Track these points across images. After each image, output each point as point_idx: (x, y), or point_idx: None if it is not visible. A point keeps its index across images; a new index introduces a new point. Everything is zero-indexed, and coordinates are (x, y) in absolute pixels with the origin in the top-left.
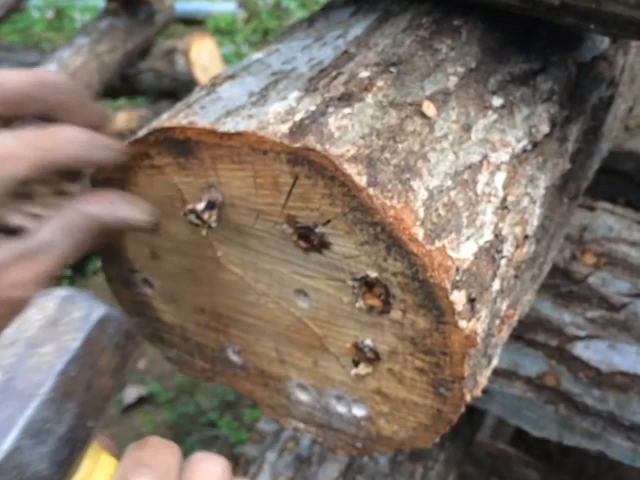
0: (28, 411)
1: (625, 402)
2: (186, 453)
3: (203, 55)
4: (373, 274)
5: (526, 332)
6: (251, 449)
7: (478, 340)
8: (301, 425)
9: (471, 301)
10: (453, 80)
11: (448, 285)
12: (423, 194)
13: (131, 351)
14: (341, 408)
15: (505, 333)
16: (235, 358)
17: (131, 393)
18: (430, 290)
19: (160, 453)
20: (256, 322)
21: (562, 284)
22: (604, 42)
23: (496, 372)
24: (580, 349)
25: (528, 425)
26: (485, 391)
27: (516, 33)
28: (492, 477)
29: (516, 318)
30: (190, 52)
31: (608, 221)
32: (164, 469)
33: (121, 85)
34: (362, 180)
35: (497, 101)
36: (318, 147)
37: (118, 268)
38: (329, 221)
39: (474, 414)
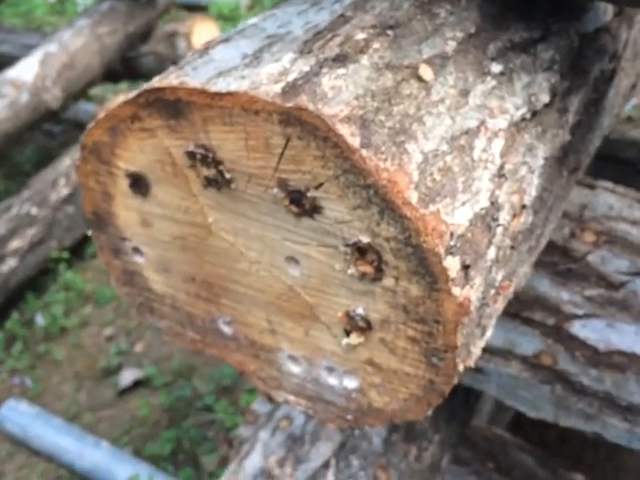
0: None
1: (622, 382)
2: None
3: (205, 39)
4: (366, 239)
5: (523, 310)
6: (245, 430)
7: (472, 308)
8: (292, 397)
9: (465, 268)
10: (451, 45)
11: (442, 250)
12: (418, 157)
13: None
14: (332, 380)
15: (500, 304)
16: (226, 329)
17: (127, 376)
18: (423, 256)
19: None
20: (247, 291)
21: (560, 262)
22: (607, 14)
23: (492, 351)
24: (578, 328)
25: (524, 406)
26: (480, 371)
27: (516, 1)
28: (488, 462)
29: (512, 290)
30: (192, 35)
31: (609, 199)
32: None
33: (122, 68)
34: (355, 141)
35: (496, 68)
36: (311, 107)
37: (108, 236)
38: (321, 184)
39: (470, 397)
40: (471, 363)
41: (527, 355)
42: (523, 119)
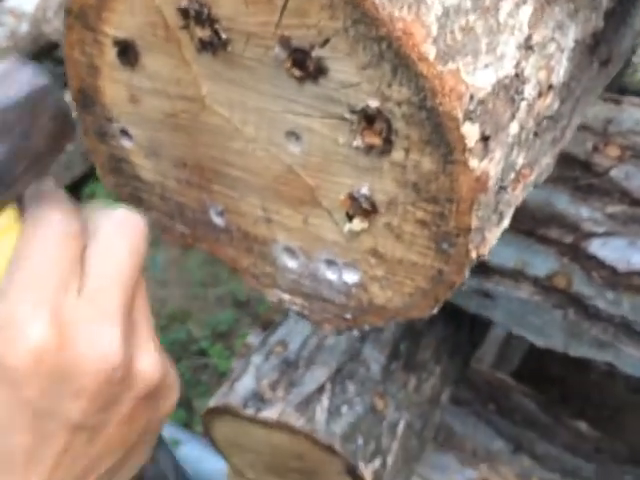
0: None
1: None
2: None
3: None
4: (375, 104)
5: (538, 227)
6: (239, 363)
7: (489, 185)
8: (286, 296)
9: (485, 139)
10: None
11: (460, 114)
12: (437, 9)
13: (67, 130)
14: (331, 274)
15: (520, 192)
16: (218, 220)
17: None
18: (439, 121)
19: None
20: (242, 175)
21: (581, 177)
22: None
23: (501, 272)
24: (596, 246)
25: (532, 334)
26: (488, 295)
27: None
28: (489, 404)
29: (532, 178)
30: None
31: (635, 114)
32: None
33: None
34: None
35: None
36: None
37: (94, 117)
38: (327, 40)
39: (474, 330)
40: (485, 251)
41: (540, 276)
42: None
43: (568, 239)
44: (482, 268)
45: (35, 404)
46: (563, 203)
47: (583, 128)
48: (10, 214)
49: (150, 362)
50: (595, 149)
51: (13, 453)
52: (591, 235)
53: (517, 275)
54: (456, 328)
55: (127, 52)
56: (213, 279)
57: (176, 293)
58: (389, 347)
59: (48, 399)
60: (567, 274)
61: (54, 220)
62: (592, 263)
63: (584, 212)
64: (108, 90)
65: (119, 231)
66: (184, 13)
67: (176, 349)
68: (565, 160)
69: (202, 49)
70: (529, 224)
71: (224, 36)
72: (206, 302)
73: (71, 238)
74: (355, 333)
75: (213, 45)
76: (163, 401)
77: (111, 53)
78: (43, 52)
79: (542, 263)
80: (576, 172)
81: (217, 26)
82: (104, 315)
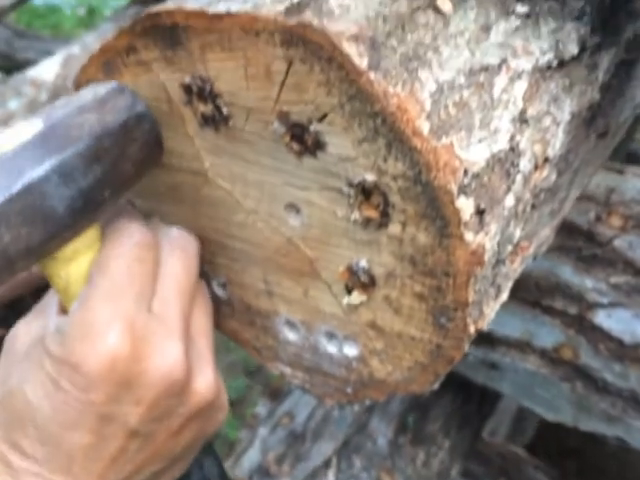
0: (63, 153)
1: None
2: None
3: None
4: (371, 178)
5: (543, 298)
6: (246, 433)
7: (485, 258)
8: (288, 369)
9: (480, 212)
10: None
11: (454, 188)
12: (431, 86)
13: (155, 156)
14: (331, 347)
15: (518, 265)
16: (220, 292)
17: None
18: (434, 195)
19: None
20: (243, 247)
21: (585, 247)
22: None
23: (508, 343)
24: (602, 318)
25: (541, 407)
26: (495, 366)
27: None
28: (500, 478)
29: (531, 251)
30: None
31: (638, 184)
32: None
33: None
34: (363, 62)
35: (521, 9)
36: (315, 22)
37: None
38: (325, 115)
39: (484, 403)
40: (484, 326)
41: (546, 348)
42: (549, 67)
43: (573, 310)
44: (488, 339)
45: (100, 407)
46: (567, 273)
47: (586, 198)
48: (93, 234)
49: (206, 382)
50: (598, 219)
51: (73, 450)
52: (596, 306)
53: (523, 346)
54: (465, 400)
55: None
56: (224, 346)
57: None
58: (396, 420)
59: (112, 404)
60: (573, 346)
61: (132, 235)
62: (598, 335)
63: (588, 282)
64: None
65: (176, 251)
66: (187, 89)
67: None
68: (568, 230)
69: (204, 124)
70: (534, 295)
71: (225, 111)
72: (217, 369)
73: (146, 252)
74: (362, 405)
75: (215, 120)
76: (211, 420)
77: None
78: None
79: (548, 334)
80: (579, 242)
81: (219, 101)
82: (171, 332)
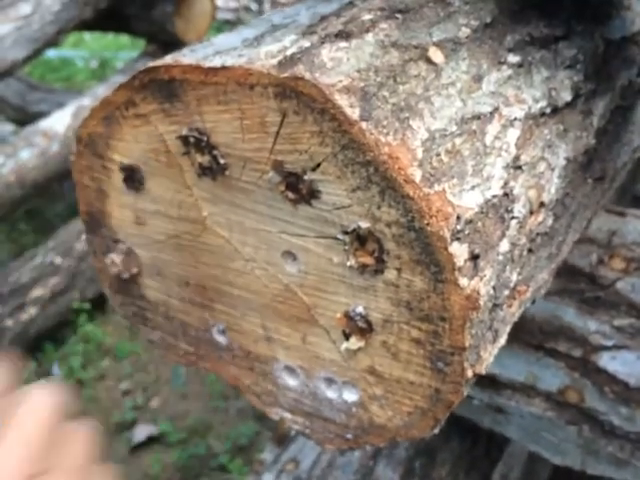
0: None
1: None
2: None
3: None
4: (365, 225)
5: (547, 341)
6: (252, 479)
7: (481, 303)
8: (288, 415)
9: (474, 258)
10: (465, 31)
11: (447, 234)
12: (423, 134)
13: None
14: (331, 393)
15: (516, 309)
16: (220, 338)
17: (141, 432)
18: (427, 241)
19: None
20: (242, 294)
21: (587, 289)
22: (634, 24)
23: (513, 387)
24: (606, 360)
25: (548, 451)
26: (502, 410)
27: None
28: None
29: (529, 295)
30: None
31: (639, 227)
32: None
33: None
34: (354, 113)
35: (513, 58)
36: (307, 76)
37: (101, 238)
38: (319, 165)
39: (492, 448)
40: (482, 370)
41: (551, 391)
42: (542, 114)
43: (577, 353)
44: (493, 383)
45: None
46: (570, 316)
47: (587, 240)
48: None
49: None
50: (600, 262)
51: None
52: (600, 349)
53: (528, 390)
54: (472, 443)
55: (133, 177)
56: (234, 392)
57: (197, 406)
58: (403, 465)
59: None
60: (579, 389)
61: None
62: (603, 378)
63: (592, 325)
64: (115, 213)
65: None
66: (185, 140)
67: (195, 464)
68: (570, 273)
69: (202, 174)
70: (537, 338)
71: (222, 161)
72: (227, 415)
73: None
74: (368, 451)
75: (212, 170)
76: None
77: (118, 178)
78: (69, 170)
79: (552, 377)
80: (582, 285)
81: (216, 152)
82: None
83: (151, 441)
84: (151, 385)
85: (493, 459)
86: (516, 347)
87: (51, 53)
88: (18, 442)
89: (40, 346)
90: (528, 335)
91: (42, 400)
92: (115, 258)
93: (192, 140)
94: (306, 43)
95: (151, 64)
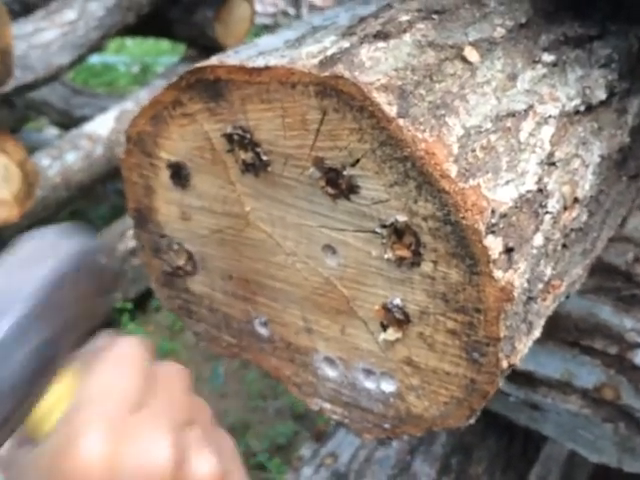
0: (12, 315)
1: None
2: None
3: None
4: (403, 219)
5: (583, 338)
6: (291, 475)
7: (515, 294)
8: (327, 405)
9: (508, 251)
10: (500, 31)
11: (482, 227)
12: (459, 131)
13: (110, 290)
14: (369, 383)
15: (550, 303)
16: (262, 330)
17: None
18: (463, 234)
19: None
20: (283, 287)
21: (623, 287)
22: None
23: (549, 384)
24: None
25: (584, 448)
26: (538, 407)
27: (572, 0)
28: None
29: (563, 290)
30: None
31: None
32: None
33: None
34: (392, 110)
35: (548, 57)
36: (347, 74)
37: (149, 234)
38: (357, 161)
39: (528, 447)
40: (516, 361)
41: (587, 388)
42: (577, 111)
43: (613, 350)
44: (529, 380)
45: None
46: (606, 314)
47: (624, 239)
48: (67, 377)
49: (203, 469)
50: (636, 260)
51: None
52: (636, 346)
53: (564, 387)
54: (509, 442)
55: (179, 174)
56: (272, 391)
57: (236, 405)
58: (440, 461)
59: None
60: (614, 386)
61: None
62: (639, 375)
63: (627, 323)
64: (162, 209)
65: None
66: (229, 138)
67: None
68: (606, 271)
69: (245, 170)
70: (573, 335)
71: (265, 158)
72: (265, 414)
73: (139, 367)
74: (405, 446)
75: (255, 166)
76: None
77: (165, 175)
78: (114, 173)
79: (588, 374)
80: (618, 283)
81: (259, 149)
82: (157, 426)
83: None
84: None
85: (530, 459)
86: (552, 344)
87: (94, 59)
88: (119, 374)
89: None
90: (564, 332)
91: (133, 343)
92: (174, 258)
93: (236, 138)
94: (345, 44)
95: (197, 65)
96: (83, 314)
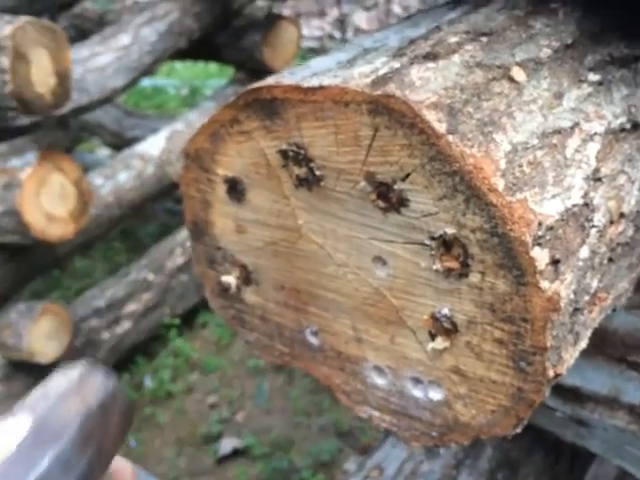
0: (59, 444)
1: None
2: None
3: None
4: (451, 231)
5: (630, 354)
6: None
7: (562, 305)
8: (376, 413)
9: (555, 262)
10: (546, 52)
11: (529, 239)
12: (506, 147)
13: (129, 423)
14: (417, 392)
15: (596, 315)
16: (313, 340)
17: (227, 444)
18: (510, 246)
19: None
20: (334, 297)
21: None
22: None
23: (596, 399)
24: None
25: (632, 465)
26: (584, 423)
27: (619, 20)
28: None
29: (609, 302)
30: None
31: None
32: None
33: None
34: (442, 127)
35: (593, 77)
36: (398, 93)
37: (205, 246)
38: (408, 175)
39: (575, 466)
40: (563, 371)
41: (634, 404)
42: (622, 129)
43: None
44: (576, 395)
45: None
46: None
47: None
48: None
49: None
50: None
51: None
52: None
53: (611, 403)
54: (555, 459)
55: (235, 188)
56: (316, 408)
57: (280, 421)
58: (485, 476)
59: None
60: None
61: None
62: None
63: None
64: (217, 222)
65: None
66: (284, 154)
67: (278, 478)
68: None
69: (299, 185)
70: (620, 351)
71: (318, 173)
72: (309, 431)
73: None
74: (451, 460)
75: (309, 181)
76: None
77: (221, 190)
78: (164, 191)
79: (635, 390)
80: None
81: (312, 165)
82: None
83: (236, 454)
84: (236, 400)
85: (576, 478)
86: (599, 360)
87: (145, 82)
88: None
89: (133, 359)
90: (611, 348)
91: None
92: (231, 280)
93: (291, 154)
94: (396, 64)
95: (254, 85)
96: (113, 446)
